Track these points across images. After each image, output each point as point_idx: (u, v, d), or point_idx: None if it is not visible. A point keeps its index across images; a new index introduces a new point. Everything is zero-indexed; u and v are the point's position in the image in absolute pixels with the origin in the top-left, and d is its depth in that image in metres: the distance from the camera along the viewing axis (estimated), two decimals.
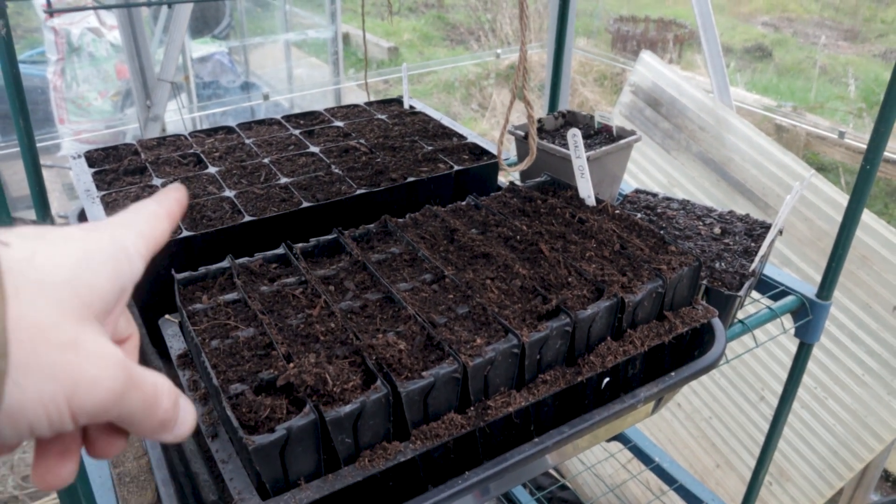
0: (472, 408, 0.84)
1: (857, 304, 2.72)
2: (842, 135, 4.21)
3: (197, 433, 1.00)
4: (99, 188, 1.29)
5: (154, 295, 1.13)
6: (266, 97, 4.43)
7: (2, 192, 1.01)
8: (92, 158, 1.42)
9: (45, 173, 1.60)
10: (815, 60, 7.17)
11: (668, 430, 3.30)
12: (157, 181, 1.31)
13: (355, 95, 5.73)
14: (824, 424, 2.84)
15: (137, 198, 1.25)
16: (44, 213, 1.59)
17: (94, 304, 0.41)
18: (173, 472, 0.87)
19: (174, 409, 0.45)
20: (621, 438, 2.17)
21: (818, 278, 1.57)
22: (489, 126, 7.17)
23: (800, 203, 2.84)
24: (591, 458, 2.74)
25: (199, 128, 1.56)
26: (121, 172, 1.35)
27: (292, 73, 5.79)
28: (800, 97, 6.61)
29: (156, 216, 0.50)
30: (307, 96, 5.25)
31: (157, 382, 0.44)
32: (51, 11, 0.89)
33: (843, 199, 2.73)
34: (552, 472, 3.17)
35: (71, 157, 1.41)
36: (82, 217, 1.39)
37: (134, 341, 0.51)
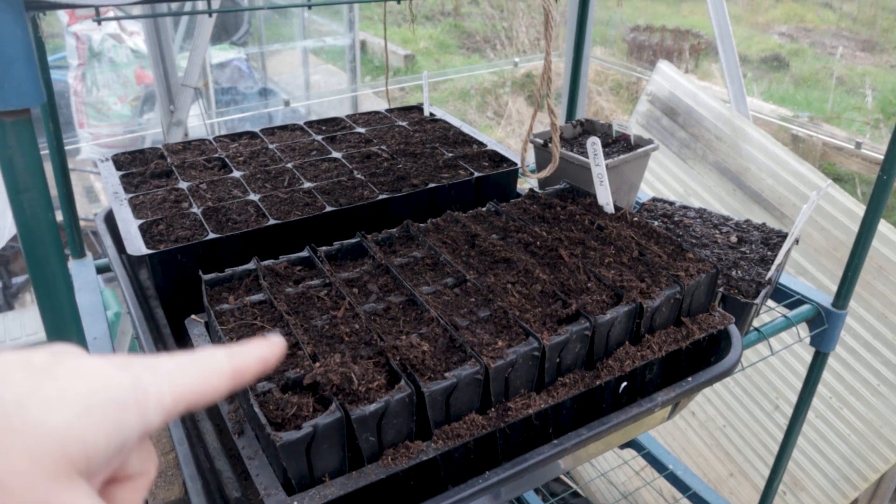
0: (492, 409, 0.86)
1: (872, 314, 2.71)
2: (858, 145, 4.20)
3: (221, 431, 1.02)
4: (127, 190, 1.32)
5: (179, 295, 1.16)
6: (287, 103, 4.47)
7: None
8: (119, 162, 1.45)
9: None
10: (831, 71, 7.14)
11: (682, 438, 3.29)
12: (183, 184, 1.34)
13: (371, 102, 5.77)
14: (839, 434, 2.83)
15: (164, 200, 1.28)
16: (70, 215, 1.63)
17: (80, 461, 0.36)
18: (200, 467, 0.89)
19: None
20: (635, 445, 2.18)
21: (834, 288, 1.58)
22: (504, 134, 7.19)
23: (816, 213, 2.84)
24: (604, 464, 2.74)
25: (217, 133, 1.59)
26: (147, 175, 1.38)
27: (309, 80, 5.84)
28: (816, 107, 6.59)
29: (215, 373, 0.44)
30: (324, 103, 5.29)
31: None
32: (99, 20, 0.92)
33: (860, 210, 2.73)
34: (564, 478, 3.17)
35: (99, 161, 1.45)
36: (109, 219, 1.42)
37: (146, 478, 0.45)
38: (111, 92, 4.96)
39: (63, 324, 0.67)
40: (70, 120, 4.87)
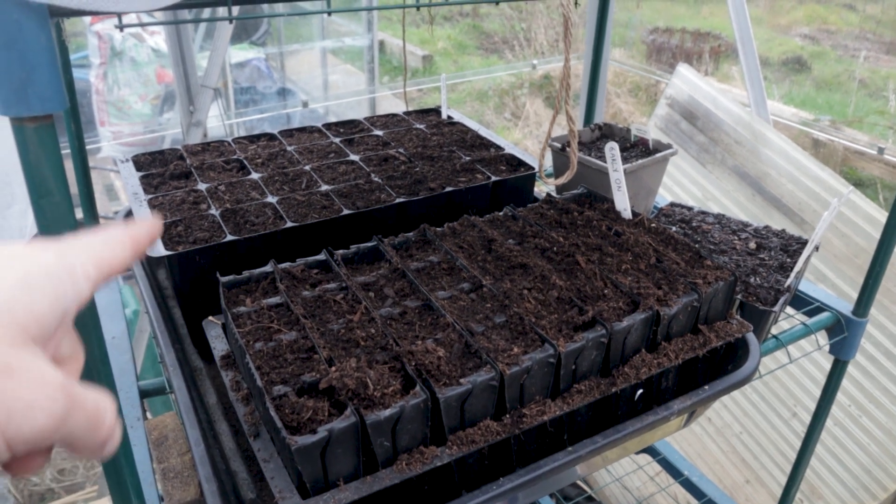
0: (507, 415, 0.86)
1: (893, 322, 2.68)
2: (881, 150, 4.15)
3: (237, 432, 1.03)
4: (146, 191, 1.33)
5: (197, 296, 1.17)
6: (305, 104, 4.49)
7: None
8: (139, 162, 1.46)
9: None
10: (854, 73, 7.07)
11: (698, 444, 3.27)
12: (201, 186, 1.35)
13: (389, 103, 5.79)
14: (858, 443, 2.80)
15: (183, 202, 1.29)
16: (91, 214, 1.65)
17: (31, 328, 0.39)
18: (215, 468, 0.90)
19: (116, 426, 0.44)
20: (650, 451, 2.17)
21: (854, 295, 1.56)
22: (522, 136, 7.18)
23: (837, 219, 2.81)
24: (619, 469, 2.73)
25: (236, 133, 1.60)
26: (167, 176, 1.40)
27: (328, 80, 5.87)
28: (838, 111, 6.52)
29: (117, 241, 0.49)
30: (342, 104, 5.31)
31: (98, 401, 0.43)
32: (121, 27, 0.93)
33: (882, 216, 2.70)
34: (579, 482, 3.16)
35: (119, 161, 1.46)
36: (129, 219, 1.43)
37: (77, 363, 0.48)
38: (132, 91, 5.02)
39: (81, 323, 0.68)
40: (91, 118, 4.92)
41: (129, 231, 0.50)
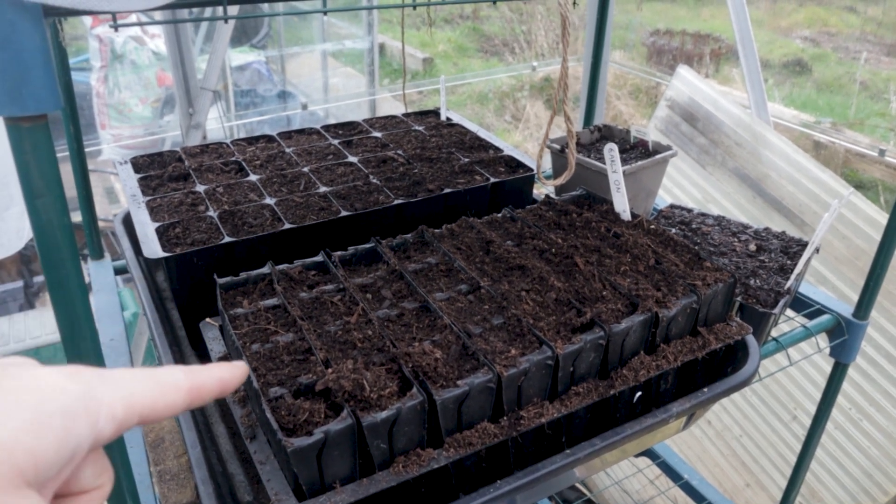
0: (505, 417, 0.85)
1: (894, 325, 2.68)
2: (882, 152, 4.14)
3: (234, 434, 1.03)
4: (144, 193, 1.33)
5: (195, 298, 1.16)
6: (304, 107, 4.49)
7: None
8: (138, 164, 1.46)
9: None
10: (855, 76, 7.06)
11: (698, 447, 3.26)
12: (200, 187, 1.34)
13: (389, 105, 5.79)
14: (858, 446, 2.79)
15: (181, 203, 1.29)
16: (90, 217, 1.64)
17: (28, 472, 0.36)
18: (212, 471, 0.90)
19: None
20: (650, 454, 2.16)
21: (855, 297, 1.55)
22: (522, 138, 7.18)
23: (837, 221, 2.81)
24: (618, 472, 2.72)
25: (236, 136, 1.60)
26: (165, 178, 1.39)
27: (328, 83, 5.87)
28: (839, 113, 6.52)
29: (171, 386, 0.44)
30: (342, 106, 5.32)
31: None
32: (115, 26, 0.93)
33: (882, 218, 2.70)
34: (578, 485, 3.15)
35: (118, 163, 1.46)
36: (127, 221, 1.43)
37: (101, 491, 0.44)
38: (132, 94, 5.02)
39: (77, 327, 0.68)
40: (92, 121, 4.92)
41: (191, 375, 0.46)
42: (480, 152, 1.53)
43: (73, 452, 0.38)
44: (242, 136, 1.57)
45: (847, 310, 1.56)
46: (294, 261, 1.06)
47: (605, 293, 0.98)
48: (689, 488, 2.05)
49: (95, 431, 0.40)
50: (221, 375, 0.48)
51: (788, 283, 1.32)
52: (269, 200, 1.29)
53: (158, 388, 0.44)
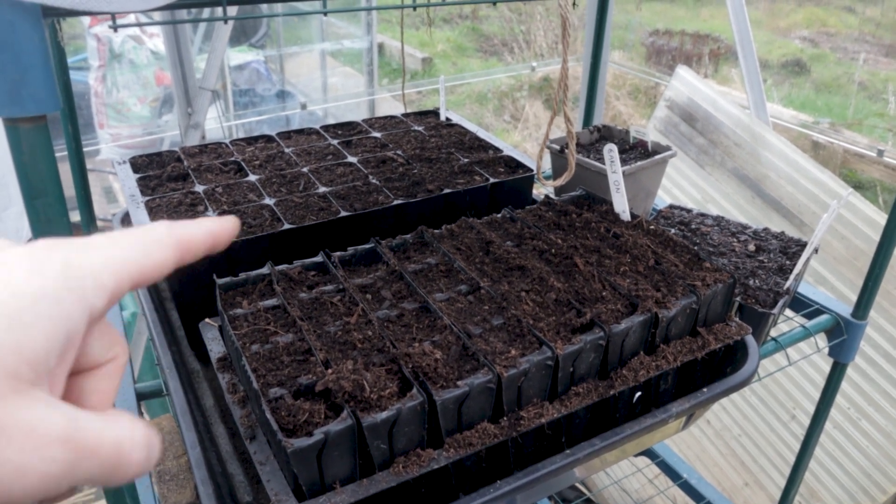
0: (505, 418, 0.85)
1: (893, 325, 2.68)
2: (880, 153, 4.15)
3: (234, 435, 1.03)
4: (143, 193, 1.33)
5: (194, 299, 1.16)
6: (304, 106, 4.49)
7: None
8: (136, 164, 1.46)
9: None
10: (853, 76, 7.07)
11: (697, 446, 3.27)
12: (199, 187, 1.34)
13: (388, 105, 5.79)
14: (857, 446, 2.80)
15: (180, 203, 1.29)
16: (88, 216, 1.64)
17: (22, 371, 0.33)
18: (211, 471, 0.89)
19: (148, 458, 0.38)
20: (649, 453, 2.16)
21: (854, 297, 1.56)
22: (521, 138, 7.18)
23: (836, 221, 2.81)
24: (617, 472, 2.73)
25: (235, 135, 1.60)
26: (164, 178, 1.39)
27: (327, 82, 5.87)
28: (837, 113, 6.53)
29: (156, 243, 0.41)
30: (341, 106, 5.31)
31: (119, 441, 0.36)
32: (115, 27, 0.93)
33: (881, 218, 2.70)
34: (578, 485, 3.15)
35: (116, 163, 1.46)
36: (126, 221, 1.43)
37: (118, 361, 0.42)
38: (131, 93, 5.02)
39: None
40: (90, 121, 4.92)
41: (178, 229, 0.42)
42: (480, 152, 1.53)
43: (68, 336, 0.36)
44: (241, 135, 1.57)
45: (846, 310, 1.56)
46: (293, 261, 1.06)
47: (604, 294, 0.98)
48: (688, 487, 2.05)
49: (87, 307, 0.36)
50: (211, 228, 0.44)
51: (787, 284, 1.32)
52: (269, 201, 1.29)
53: (143, 247, 0.40)
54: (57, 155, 0.64)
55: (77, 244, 0.38)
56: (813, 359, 2.83)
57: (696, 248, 1.11)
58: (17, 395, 0.33)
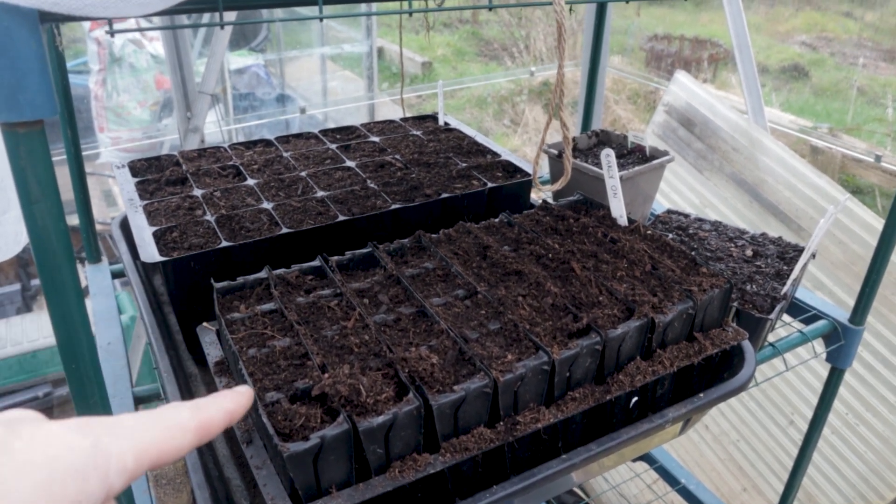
0: (501, 423, 0.85)
1: (891, 330, 2.68)
2: (878, 158, 4.15)
3: (231, 439, 1.03)
4: (142, 197, 1.33)
5: (192, 302, 1.16)
6: (303, 111, 4.50)
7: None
8: (135, 168, 1.46)
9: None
10: (852, 81, 7.08)
11: (695, 451, 3.27)
12: (197, 191, 1.34)
13: (388, 109, 5.79)
14: (855, 451, 2.80)
15: (178, 207, 1.29)
16: (87, 220, 1.64)
17: None
18: (208, 475, 0.90)
19: None
20: (647, 458, 2.16)
21: (851, 303, 1.56)
22: (521, 142, 7.19)
23: (834, 226, 2.81)
24: (615, 477, 2.72)
25: (234, 139, 1.60)
26: (163, 182, 1.39)
27: (327, 86, 5.87)
28: (836, 119, 6.53)
29: (178, 428, 0.44)
30: (341, 110, 5.32)
31: None
32: (112, 32, 0.93)
33: (879, 223, 2.70)
34: (576, 490, 3.15)
35: (115, 167, 1.46)
36: (124, 225, 1.43)
37: None
38: (131, 97, 5.02)
39: (73, 332, 0.68)
40: (90, 124, 4.92)
41: (198, 413, 0.45)
42: (478, 157, 1.53)
43: None
44: (240, 139, 1.57)
45: (843, 315, 1.56)
46: (291, 265, 1.06)
47: (601, 298, 0.98)
48: (686, 493, 2.05)
49: (107, 486, 0.39)
50: (227, 407, 0.48)
51: (785, 289, 1.32)
52: (267, 205, 1.29)
53: (166, 432, 0.44)
54: (56, 159, 0.64)
55: (108, 424, 0.41)
56: (811, 364, 2.83)
57: (693, 253, 1.11)
58: None
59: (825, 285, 2.86)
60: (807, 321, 1.56)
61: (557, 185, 1.15)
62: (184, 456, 0.45)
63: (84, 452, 0.39)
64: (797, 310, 1.58)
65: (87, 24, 4.81)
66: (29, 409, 0.42)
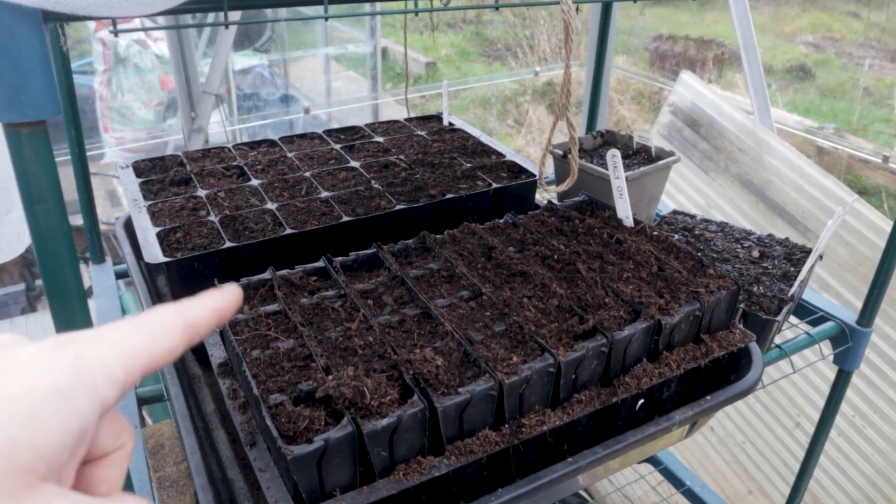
0: (506, 425, 0.85)
1: None
2: (886, 159, 4.13)
3: (234, 440, 1.02)
4: (146, 198, 1.33)
5: None
6: (307, 111, 4.49)
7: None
8: (139, 168, 1.46)
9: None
10: (858, 81, 7.06)
11: (700, 453, 3.25)
12: (201, 192, 1.34)
13: (392, 110, 5.79)
14: (862, 453, 2.78)
15: (182, 208, 1.28)
16: (91, 220, 1.64)
17: (37, 467, 0.34)
18: (211, 477, 0.89)
19: None
20: (652, 460, 2.15)
21: (859, 304, 1.55)
22: (524, 142, 7.18)
23: (841, 227, 2.80)
24: (620, 479, 2.71)
25: (238, 139, 1.60)
26: (167, 183, 1.39)
27: (331, 87, 5.88)
28: (842, 119, 6.51)
29: (165, 330, 0.42)
30: (345, 110, 5.32)
31: None
32: (116, 32, 0.93)
33: (886, 225, 2.69)
34: (581, 492, 3.14)
35: (119, 167, 1.46)
36: (128, 225, 1.43)
37: (123, 452, 0.43)
38: (136, 97, 5.03)
39: (73, 329, 0.67)
40: (95, 125, 4.93)
41: (184, 312, 0.43)
42: (483, 158, 1.52)
43: (81, 430, 0.37)
44: (244, 139, 1.57)
45: (851, 317, 1.55)
46: (295, 266, 1.06)
47: (607, 300, 0.97)
48: (691, 495, 2.04)
49: (98, 401, 0.37)
50: (215, 305, 0.45)
51: (792, 290, 1.31)
52: (271, 205, 1.29)
53: (152, 336, 0.41)
54: (60, 159, 0.64)
55: (87, 338, 0.39)
56: (818, 366, 2.81)
57: (699, 254, 1.10)
58: (31, 490, 0.34)
59: (832, 287, 2.84)
60: (814, 323, 1.55)
61: (564, 186, 1.15)
62: (175, 358, 0.42)
63: (65, 372, 0.36)
64: (804, 311, 1.57)
65: (92, 25, 4.82)
66: (7, 334, 0.39)
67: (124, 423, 0.42)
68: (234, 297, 0.46)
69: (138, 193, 1.34)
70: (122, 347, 0.39)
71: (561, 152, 1.53)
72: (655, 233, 1.15)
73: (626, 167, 1.51)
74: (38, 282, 4.33)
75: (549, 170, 1.84)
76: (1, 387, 0.35)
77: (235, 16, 2.82)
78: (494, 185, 1.37)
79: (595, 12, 2.80)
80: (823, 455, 2.80)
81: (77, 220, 1.53)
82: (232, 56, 5.06)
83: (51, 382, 0.35)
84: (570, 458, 0.88)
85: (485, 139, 1.63)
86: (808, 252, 1.46)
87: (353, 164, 1.48)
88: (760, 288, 1.33)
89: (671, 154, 1.54)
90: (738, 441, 3.13)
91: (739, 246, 1.49)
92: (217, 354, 0.99)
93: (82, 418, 0.36)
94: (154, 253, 1.13)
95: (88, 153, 1.58)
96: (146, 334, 0.41)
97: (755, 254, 1.45)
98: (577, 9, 1.25)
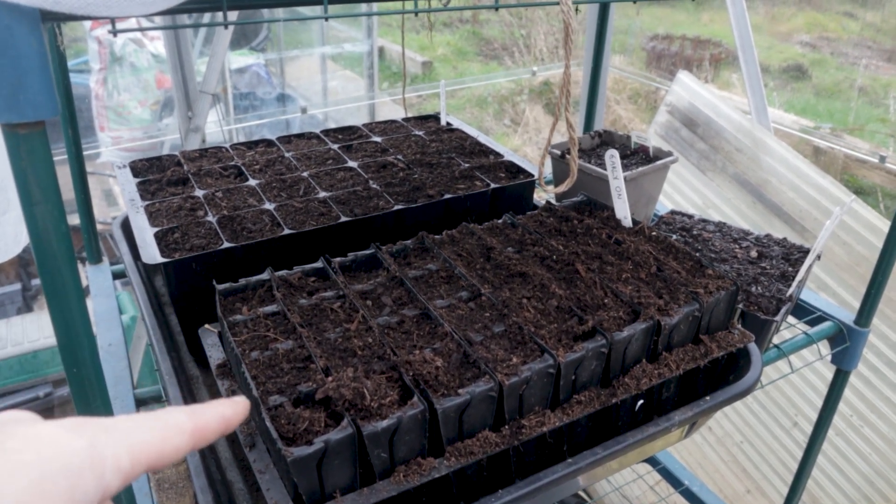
0: (506, 426, 0.85)
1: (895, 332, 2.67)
2: (882, 158, 4.13)
3: (234, 442, 1.02)
4: (143, 198, 1.32)
5: (194, 304, 1.16)
6: (304, 110, 4.49)
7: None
8: (136, 168, 1.45)
9: None
10: (854, 81, 7.07)
11: (699, 453, 3.26)
12: (198, 192, 1.34)
13: (388, 109, 5.79)
14: (859, 453, 2.79)
15: (180, 208, 1.28)
16: (88, 220, 1.64)
17: None
18: (211, 479, 0.89)
19: None
20: (650, 460, 2.15)
21: (856, 304, 1.55)
22: (521, 142, 7.18)
23: (838, 227, 2.81)
24: (618, 479, 2.72)
25: (235, 139, 1.59)
26: (164, 183, 1.39)
27: (327, 86, 5.87)
28: (839, 119, 6.52)
29: (174, 429, 0.44)
30: (342, 110, 5.31)
31: None
32: (114, 31, 0.92)
33: (883, 224, 2.69)
34: (579, 492, 3.14)
35: (116, 167, 1.45)
36: (126, 226, 1.42)
37: None
38: (132, 96, 5.01)
39: (74, 334, 0.67)
40: (91, 124, 4.92)
41: (195, 417, 0.46)
42: (481, 157, 1.52)
43: None
44: (241, 139, 1.57)
45: (848, 317, 1.56)
46: (293, 267, 1.05)
47: (606, 301, 0.97)
48: (689, 495, 2.04)
49: (102, 486, 0.39)
50: (223, 413, 0.48)
51: (790, 290, 1.31)
52: (269, 205, 1.28)
53: (162, 433, 0.43)
54: (57, 159, 0.63)
55: (103, 425, 0.41)
56: (815, 365, 2.82)
57: (698, 254, 1.10)
58: None
59: (830, 287, 2.85)
60: (812, 323, 1.55)
61: (564, 187, 1.15)
62: (180, 459, 0.44)
63: (79, 452, 0.38)
64: (802, 311, 1.57)
65: (87, 24, 4.80)
66: (24, 410, 0.41)
67: None
68: (241, 407, 0.49)
69: (135, 193, 1.34)
70: (134, 439, 0.42)
71: (559, 152, 1.53)
72: (654, 233, 1.15)
73: (624, 167, 1.51)
74: (35, 281, 4.32)
75: (548, 170, 1.84)
76: (18, 454, 0.36)
77: (233, 15, 2.82)
78: (493, 186, 1.37)
79: (592, 12, 2.80)
80: (821, 455, 2.81)
81: (73, 219, 1.52)
82: (228, 55, 5.05)
83: (65, 460, 0.37)
84: (570, 458, 0.88)
85: (483, 139, 1.63)
86: (805, 252, 1.46)
87: (351, 164, 1.48)
88: (759, 288, 1.33)
89: (669, 154, 1.54)
90: (737, 441, 3.14)
91: (737, 246, 1.49)
92: (216, 355, 0.99)
93: (86, 499, 0.38)
94: (151, 253, 1.13)
95: (84, 152, 1.57)
96: (158, 430, 0.43)
97: (753, 254, 1.45)
98: (577, 9, 1.25)
